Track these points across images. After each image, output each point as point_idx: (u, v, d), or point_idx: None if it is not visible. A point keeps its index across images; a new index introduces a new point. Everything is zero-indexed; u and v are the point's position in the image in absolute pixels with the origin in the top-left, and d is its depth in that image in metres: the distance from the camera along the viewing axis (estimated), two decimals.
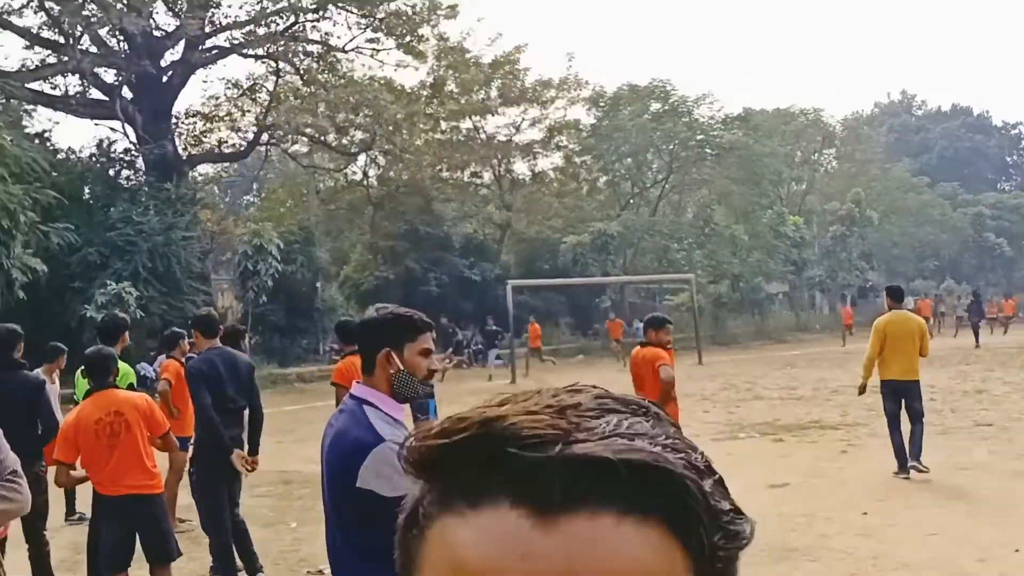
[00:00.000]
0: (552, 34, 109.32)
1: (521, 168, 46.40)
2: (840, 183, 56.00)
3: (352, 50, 35.14)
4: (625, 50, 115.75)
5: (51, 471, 6.45)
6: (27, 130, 28.18)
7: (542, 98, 43.84)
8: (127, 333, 8.16)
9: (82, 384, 7.58)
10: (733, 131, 44.37)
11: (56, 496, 7.95)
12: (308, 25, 34.24)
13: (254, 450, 7.48)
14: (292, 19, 33.60)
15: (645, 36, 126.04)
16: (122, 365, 7.26)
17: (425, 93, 40.24)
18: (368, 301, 40.57)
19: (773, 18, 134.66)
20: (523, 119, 44.42)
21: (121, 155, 32.59)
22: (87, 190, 30.33)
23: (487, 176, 45.99)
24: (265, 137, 36.30)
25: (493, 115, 43.60)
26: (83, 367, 6.28)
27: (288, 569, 7.92)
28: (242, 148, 37.54)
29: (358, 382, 3.28)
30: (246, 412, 7.51)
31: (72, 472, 5.98)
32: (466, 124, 43.43)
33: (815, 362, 28.86)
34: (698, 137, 44.65)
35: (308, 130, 36.03)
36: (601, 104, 45.17)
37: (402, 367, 3.13)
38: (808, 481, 10.64)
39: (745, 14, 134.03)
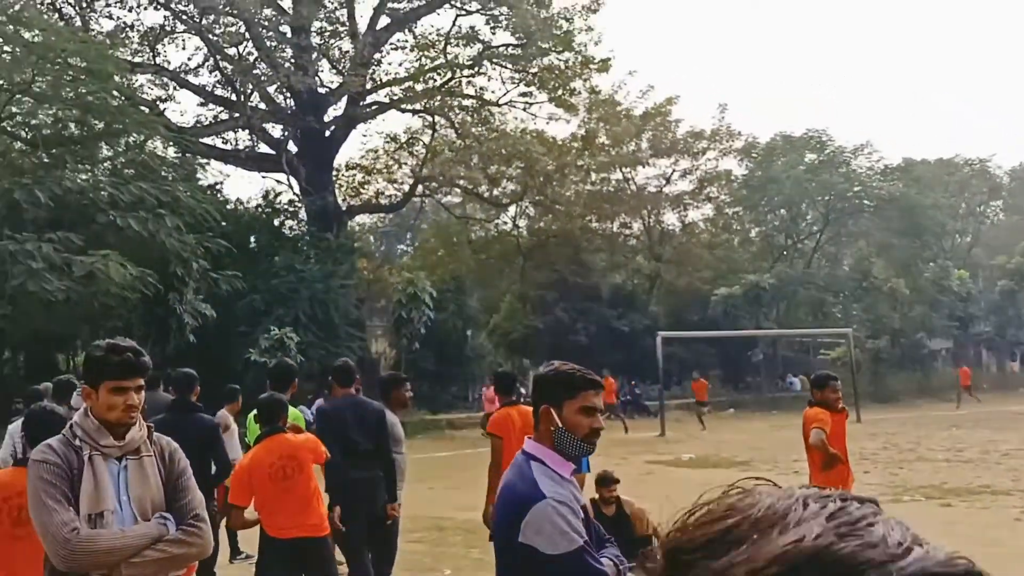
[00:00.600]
0: (704, 85, 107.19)
1: (671, 219, 45.47)
2: (1008, 236, 52.42)
3: (505, 104, 35.08)
4: (779, 100, 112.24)
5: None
6: (200, 182, 29.09)
7: (693, 149, 42.87)
8: (296, 379, 8.32)
9: (253, 428, 7.63)
10: (893, 182, 42.26)
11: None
12: (464, 80, 34.37)
13: (392, 497, 7.23)
14: (449, 75, 33.81)
15: (800, 86, 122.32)
16: (292, 410, 7.36)
17: (576, 145, 39.75)
18: (517, 350, 40.22)
19: (935, 67, 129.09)
20: (674, 170, 43.57)
21: (285, 206, 33.28)
22: (253, 239, 30.89)
23: (636, 227, 45.05)
24: (420, 188, 36.71)
25: (644, 167, 42.95)
26: (255, 412, 6.30)
27: None
28: (398, 199, 38.21)
29: (529, 437, 3.24)
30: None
31: (246, 515, 6.01)
32: (616, 175, 42.83)
33: (982, 422, 26.62)
34: (856, 188, 42.68)
35: (461, 181, 36.15)
36: (754, 155, 43.86)
37: (560, 424, 3.07)
38: (982, 551, 9.16)
39: (906, 62, 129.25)
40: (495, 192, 38.66)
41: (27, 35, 23.46)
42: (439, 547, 10.58)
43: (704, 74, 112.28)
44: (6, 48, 23.78)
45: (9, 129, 24.44)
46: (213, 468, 7.18)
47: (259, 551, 6.67)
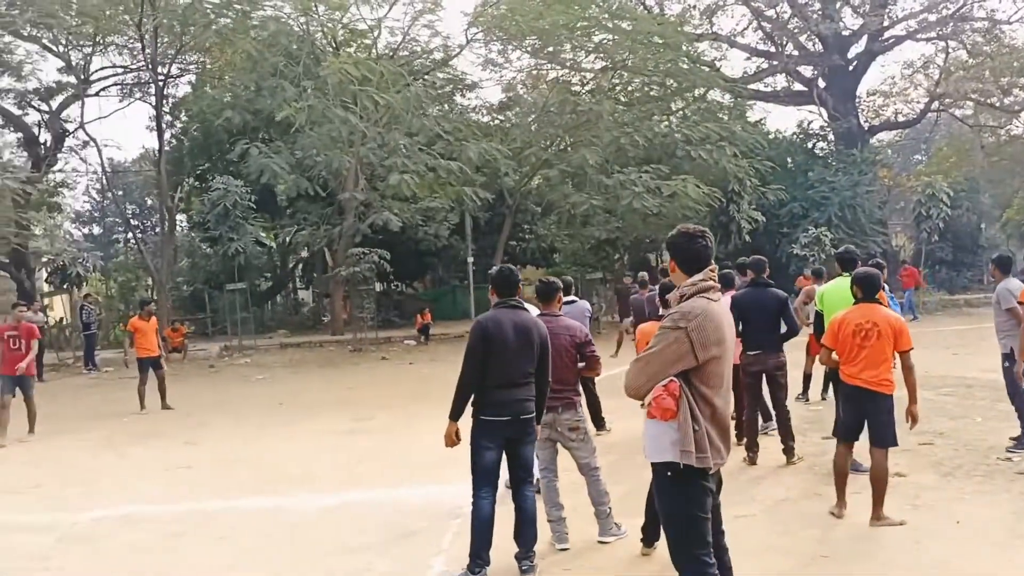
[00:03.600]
0: None
1: None
2: None
3: (1016, 21, 31.00)
4: None
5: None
6: (749, 119, 30.22)
7: None
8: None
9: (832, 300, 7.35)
10: None
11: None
12: (975, 5, 31.08)
13: None
14: (961, 2, 30.77)
15: None
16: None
17: None
18: None
19: None
20: None
21: (816, 131, 33.30)
22: (790, 160, 31.42)
23: None
24: (935, 105, 33.95)
25: None
26: (854, 283, 5.96)
27: (975, 453, 7.75)
28: (914, 116, 36.00)
29: None
30: None
31: (833, 356, 5.93)
32: None
33: None
34: None
35: (974, 95, 32.74)
36: None
37: None
38: None
39: None
40: (1006, 101, 34.29)
41: (623, 24, 26.00)
42: (968, 399, 10.42)
43: None
44: (607, 37, 26.64)
45: (613, 95, 27.49)
46: (783, 328, 7.68)
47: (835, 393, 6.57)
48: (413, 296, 33.09)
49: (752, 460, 7.71)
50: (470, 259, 28.13)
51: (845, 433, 6.01)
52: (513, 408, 4.99)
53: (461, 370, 4.98)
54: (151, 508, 7.33)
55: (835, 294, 7.30)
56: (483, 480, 5.02)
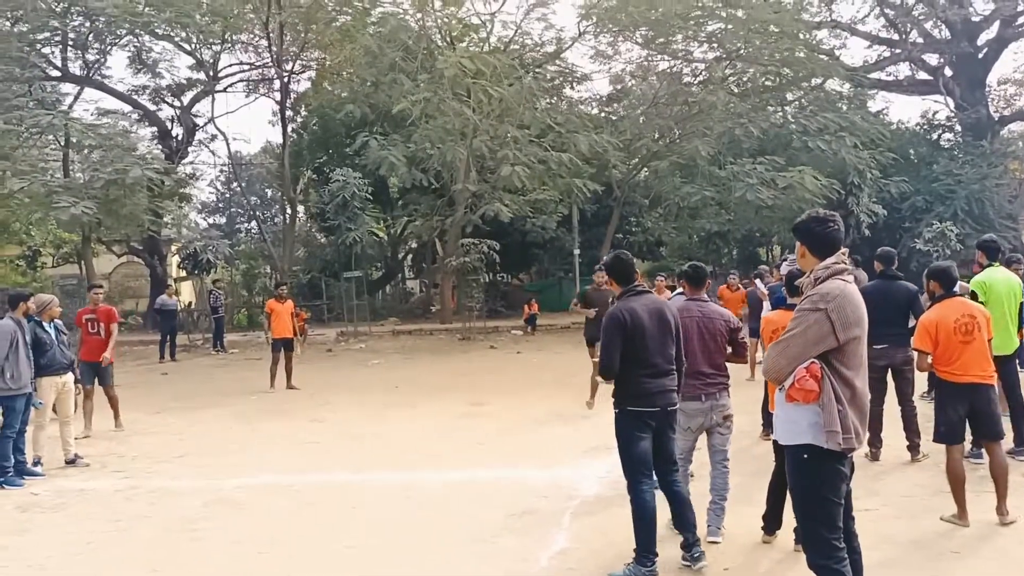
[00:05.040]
0: None
1: None
2: None
3: None
4: None
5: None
6: (869, 109, 29.10)
7: None
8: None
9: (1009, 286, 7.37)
10: None
11: None
12: None
13: None
14: None
15: None
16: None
17: None
18: None
19: None
20: None
21: (942, 122, 31.76)
22: (912, 151, 30.15)
23: None
24: None
25: None
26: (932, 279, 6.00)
27: None
28: None
29: None
30: None
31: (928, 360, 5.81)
32: None
33: None
34: None
35: None
36: None
37: None
38: None
39: None
40: None
41: (738, 13, 25.52)
42: None
43: None
44: (720, 26, 26.11)
45: (726, 86, 27.03)
46: (911, 322, 7.29)
47: (936, 392, 6.49)
48: (519, 287, 33.48)
49: (875, 456, 7.58)
50: (576, 251, 28.24)
51: (953, 435, 5.79)
52: (661, 399, 4.87)
53: (601, 363, 4.95)
54: (286, 478, 7.82)
55: (999, 284, 7.23)
56: (640, 470, 4.86)
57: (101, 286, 11.70)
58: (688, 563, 4.96)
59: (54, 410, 8.74)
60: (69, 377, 8.80)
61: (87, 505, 7.13)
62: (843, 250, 3.69)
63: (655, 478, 5.06)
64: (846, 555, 3.59)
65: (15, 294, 8.65)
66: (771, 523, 5.39)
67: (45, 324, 8.57)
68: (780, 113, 27.38)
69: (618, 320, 4.85)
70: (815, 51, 27.22)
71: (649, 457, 4.90)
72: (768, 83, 27.61)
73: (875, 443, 7.62)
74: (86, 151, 23.88)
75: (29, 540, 6.16)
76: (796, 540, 5.19)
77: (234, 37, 28.62)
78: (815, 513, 3.57)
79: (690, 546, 4.97)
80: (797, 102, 28.17)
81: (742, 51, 26.04)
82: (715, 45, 26.91)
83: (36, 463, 8.37)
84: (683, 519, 5.01)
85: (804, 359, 3.49)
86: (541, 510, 6.44)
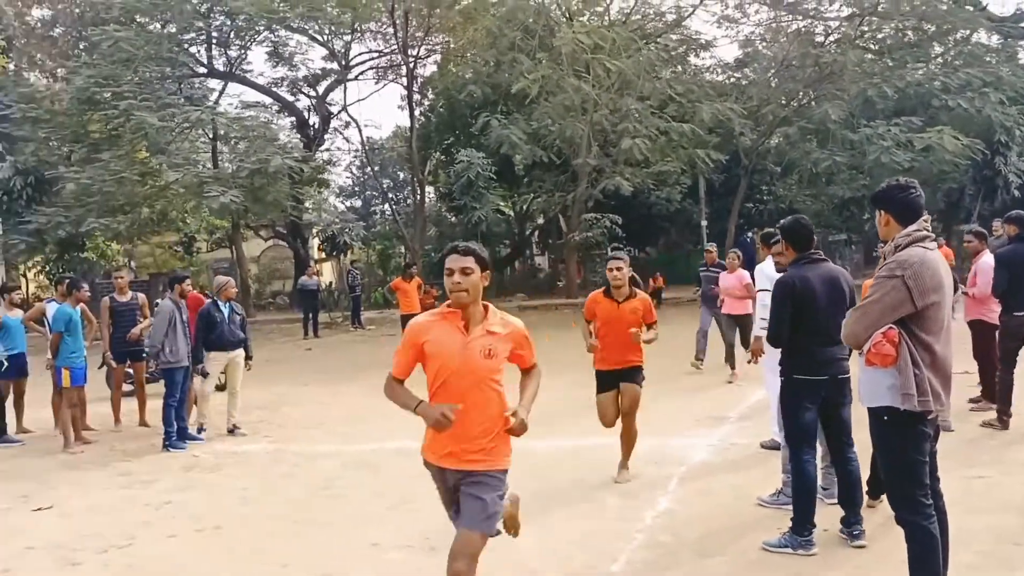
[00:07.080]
0: None
1: None
2: None
3: None
4: None
5: None
6: (1021, 62, 27.03)
7: None
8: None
9: None
10: None
11: None
12: None
13: None
14: None
15: None
16: None
17: None
18: None
19: None
20: None
21: None
22: None
23: None
24: None
25: None
26: None
27: None
28: None
29: None
30: None
31: None
32: None
33: None
34: None
35: None
36: None
37: None
38: None
39: None
40: None
41: None
42: None
43: None
44: None
45: (861, 44, 25.86)
46: None
47: None
48: (645, 260, 33.37)
49: (1005, 424, 7.38)
50: (703, 222, 27.88)
51: None
52: (832, 368, 4.81)
53: (769, 330, 4.95)
54: (415, 444, 8.36)
55: None
56: (803, 442, 4.83)
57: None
58: (845, 537, 4.96)
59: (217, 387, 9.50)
60: (238, 353, 9.28)
61: (240, 466, 7.98)
62: (925, 217, 3.76)
63: (820, 449, 5.04)
64: (933, 512, 3.70)
65: (174, 277, 9.63)
66: (874, 487, 5.46)
67: (220, 303, 9.16)
68: (922, 71, 25.93)
69: (788, 287, 4.82)
70: (958, 2, 25.56)
71: (814, 428, 4.90)
72: (907, 39, 26.19)
73: (1005, 412, 7.43)
74: (232, 143, 25.65)
75: (191, 496, 7.00)
76: (868, 494, 5.32)
77: (363, 26, 29.77)
78: (900, 471, 3.69)
79: (851, 524, 4.96)
80: (940, 58, 26.57)
81: (879, 6, 24.83)
82: (850, 2, 25.79)
83: (200, 430, 9.31)
84: (851, 499, 4.98)
85: (881, 325, 3.61)
86: (649, 475, 6.71)
